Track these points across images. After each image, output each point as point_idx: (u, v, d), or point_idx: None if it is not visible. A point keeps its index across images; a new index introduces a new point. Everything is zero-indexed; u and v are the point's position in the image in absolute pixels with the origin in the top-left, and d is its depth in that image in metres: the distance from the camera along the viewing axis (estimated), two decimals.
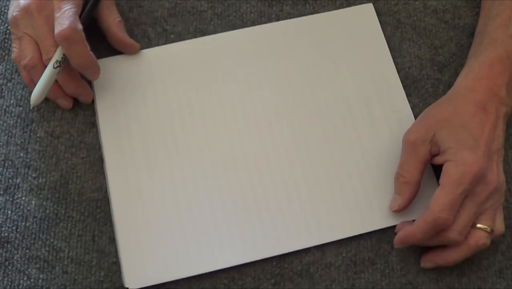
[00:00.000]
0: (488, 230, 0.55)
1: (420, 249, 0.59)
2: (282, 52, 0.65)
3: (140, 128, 0.62)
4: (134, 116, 0.63)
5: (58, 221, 0.60)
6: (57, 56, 0.59)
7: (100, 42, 0.64)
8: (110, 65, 0.64)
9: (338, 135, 0.62)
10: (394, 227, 0.60)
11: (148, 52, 0.65)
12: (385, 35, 0.67)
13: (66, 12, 0.57)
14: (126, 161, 0.61)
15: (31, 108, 0.62)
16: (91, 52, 0.59)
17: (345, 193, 0.60)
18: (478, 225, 0.55)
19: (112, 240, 0.59)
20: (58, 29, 0.57)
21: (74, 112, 0.64)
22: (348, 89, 0.64)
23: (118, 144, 0.61)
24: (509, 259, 0.59)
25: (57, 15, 0.58)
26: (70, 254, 0.59)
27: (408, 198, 0.57)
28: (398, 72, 0.65)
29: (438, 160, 0.56)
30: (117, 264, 0.58)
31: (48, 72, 0.59)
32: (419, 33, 0.67)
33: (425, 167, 0.57)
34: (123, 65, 0.65)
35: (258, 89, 0.64)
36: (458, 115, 0.56)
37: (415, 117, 0.63)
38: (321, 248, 0.59)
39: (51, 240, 0.59)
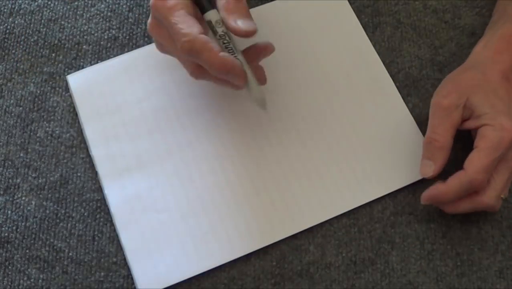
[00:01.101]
0: (503, 197, 0.56)
1: (419, 248, 0.59)
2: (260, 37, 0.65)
3: (128, 132, 0.62)
4: (120, 121, 0.62)
5: (58, 221, 0.60)
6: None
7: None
8: (89, 74, 0.64)
9: (324, 112, 0.63)
10: (394, 227, 0.60)
11: (129, 55, 0.65)
12: (385, 35, 0.67)
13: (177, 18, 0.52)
14: (118, 168, 0.61)
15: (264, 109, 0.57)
16: (222, 54, 0.52)
17: (341, 167, 0.61)
18: None
19: (112, 240, 0.59)
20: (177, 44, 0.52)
21: (74, 112, 0.64)
22: (327, 66, 0.64)
23: (109, 152, 0.61)
24: (509, 259, 0.59)
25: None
26: (70, 254, 0.59)
27: (442, 163, 0.57)
28: (398, 72, 0.65)
29: (470, 124, 0.57)
30: (117, 264, 0.58)
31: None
32: (419, 33, 0.67)
33: (455, 133, 0.57)
34: (101, 73, 0.64)
35: None
36: (488, 82, 0.57)
37: (401, 93, 0.64)
38: (321, 248, 0.59)
39: (51, 240, 0.59)
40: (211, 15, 0.54)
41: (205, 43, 0.51)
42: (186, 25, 0.52)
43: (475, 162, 0.54)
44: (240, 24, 0.52)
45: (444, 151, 0.57)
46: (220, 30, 0.54)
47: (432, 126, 0.57)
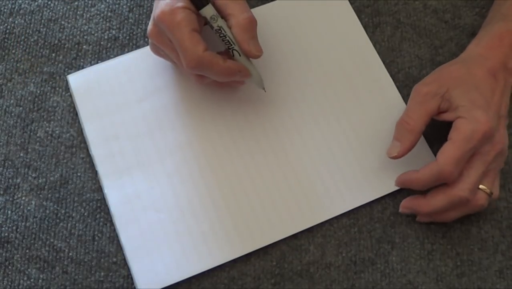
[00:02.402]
0: (488, 192, 0.56)
1: (419, 248, 0.59)
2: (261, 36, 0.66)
3: (128, 131, 0.62)
4: (120, 121, 0.62)
5: (58, 221, 0.60)
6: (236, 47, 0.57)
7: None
8: (89, 74, 0.64)
9: (324, 112, 0.63)
10: (394, 227, 0.60)
11: (129, 56, 0.65)
12: (385, 35, 0.67)
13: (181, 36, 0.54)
14: (119, 168, 0.61)
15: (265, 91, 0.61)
16: (227, 63, 0.56)
17: (341, 167, 0.61)
18: (481, 186, 0.56)
19: (112, 240, 0.59)
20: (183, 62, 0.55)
21: (74, 112, 0.64)
22: (327, 66, 0.65)
23: (109, 152, 0.61)
24: (509, 259, 0.59)
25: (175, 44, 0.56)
26: (70, 254, 0.59)
27: (409, 146, 0.58)
28: (398, 72, 0.65)
29: (447, 116, 0.57)
30: (117, 264, 0.59)
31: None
32: (419, 33, 0.67)
33: (429, 121, 0.58)
34: (101, 73, 0.64)
35: None
36: (471, 76, 0.58)
37: (401, 95, 0.64)
38: (321, 248, 0.59)
39: (51, 240, 0.59)
40: (206, 11, 0.56)
41: (210, 60, 0.55)
42: (191, 43, 0.54)
43: (446, 153, 0.55)
44: (252, 47, 0.56)
45: (413, 135, 0.57)
46: (215, 25, 0.56)
47: (408, 110, 0.58)
